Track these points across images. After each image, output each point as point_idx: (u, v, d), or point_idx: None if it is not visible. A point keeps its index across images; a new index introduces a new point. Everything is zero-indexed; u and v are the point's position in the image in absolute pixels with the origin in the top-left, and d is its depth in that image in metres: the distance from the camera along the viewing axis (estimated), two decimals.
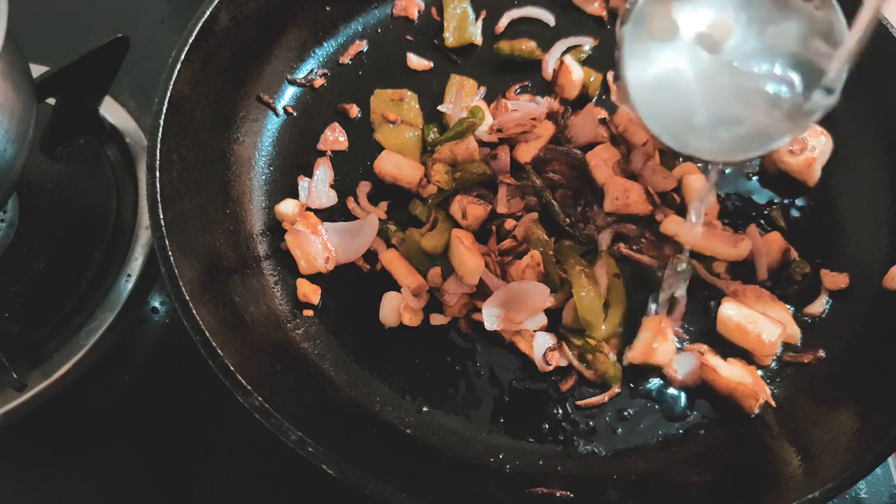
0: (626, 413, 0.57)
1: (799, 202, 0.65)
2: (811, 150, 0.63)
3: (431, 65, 0.72)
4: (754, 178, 0.66)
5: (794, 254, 0.62)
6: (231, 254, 0.61)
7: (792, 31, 0.47)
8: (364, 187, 0.65)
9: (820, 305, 0.61)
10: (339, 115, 0.69)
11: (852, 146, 0.65)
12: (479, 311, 0.58)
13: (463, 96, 0.67)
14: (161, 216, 0.53)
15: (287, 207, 0.63)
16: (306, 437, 0.47)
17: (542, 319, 0.58)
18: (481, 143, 0.66)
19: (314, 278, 0.62)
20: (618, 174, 0.63)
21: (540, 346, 0.57)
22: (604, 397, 0.57)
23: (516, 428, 0.56)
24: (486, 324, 0.57)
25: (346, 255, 0.62)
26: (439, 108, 0.68)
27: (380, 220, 0.63)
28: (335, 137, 0.68)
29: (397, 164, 0.64)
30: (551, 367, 0.57)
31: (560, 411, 0.57)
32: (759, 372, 0.58)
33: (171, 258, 0.52)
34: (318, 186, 0.65)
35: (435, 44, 0.73)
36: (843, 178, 0.65)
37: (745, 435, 0.55)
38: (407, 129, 0.67)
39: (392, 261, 0.61)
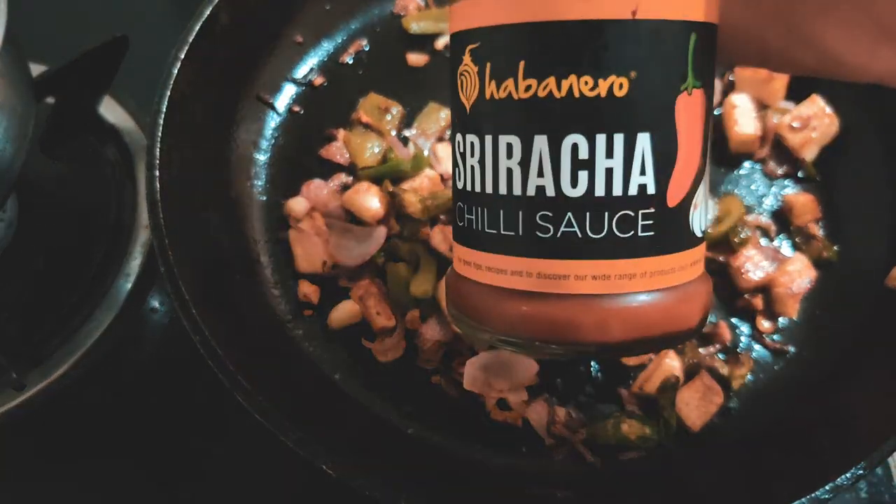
0: (627, 412, 0.57)
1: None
2: (812, 129, 0.63)
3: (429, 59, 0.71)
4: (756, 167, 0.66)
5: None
6: (231, 253, 0.61)
7: None
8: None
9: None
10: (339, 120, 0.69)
11: (854, 146, 0.65)
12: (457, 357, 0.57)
13: (427, 134, 0.66)
14: (161, 216, 0.53)
15: (298, 205, 0.63)
16: (307, 436, 0.47)
17: (523, 395, 0.56)
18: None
19: (314, 278, 0.61)
20: None
21: (539, 420, 0.56)
22: None
23: (517, 427, 0.56)
24: (464, 382, 0.56)
25: (346, 259, 0.61)
26: (405, 133, 0.67)
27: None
28: (339, 153, 0.67)
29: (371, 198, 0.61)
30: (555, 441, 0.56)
31: (562, 410, 0.57)
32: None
33: (171, 258, 0.52)
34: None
35: (435, 44, 0.73)
36: (843, 177, 0.65)
37: (746, 433, 0.55)
38: (374, 142, 0.65)
39: (364, 295, 0.59)
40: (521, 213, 0.35)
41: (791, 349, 0.59)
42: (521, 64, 0.34)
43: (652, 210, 0.35)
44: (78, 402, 0.60)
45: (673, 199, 0.35)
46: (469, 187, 0.38)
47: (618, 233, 0.35)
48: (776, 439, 0.54)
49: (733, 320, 0.60)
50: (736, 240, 0.60)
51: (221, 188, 0.63)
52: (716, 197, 0.63)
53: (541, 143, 0.34)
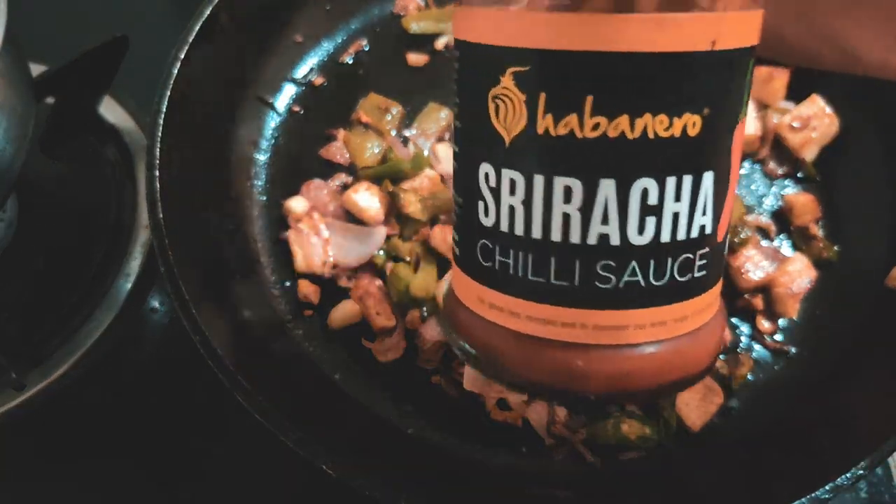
0: (627, 412, 0.57)
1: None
2: (812, 129, 0.63)
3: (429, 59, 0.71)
4: (756, 167, 0.66)
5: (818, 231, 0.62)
6: (231, 253, 0.61)
7: None
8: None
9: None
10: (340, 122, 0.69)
11: (854, 146, 0.65)
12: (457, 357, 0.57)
13: (427, 134, 0.66)
14: (161, 216, 0.53)
15: (297, 205, 0.63)
16: (307, 436, 0.46)
17: (524, 395, 0.56)
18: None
19: (314, 278, 0.61)
20: None
21: (539, 420, 0.56)
22: None
23: (517, 427, 0.56)
24: (464, 382, 0.56)
25: (345, 260, 0.61)
26: (405, 133, 0.67)
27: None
28: (339, 153, 0.67)
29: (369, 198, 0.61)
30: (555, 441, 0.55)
31: (561, 410, 0.57)
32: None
33: (171, 258, 0.52)
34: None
35: (435, 44, 0.73)
36: (843, 177, 0.65)
37: (746, 433, 0.55)
38: (374, 141, 0.65)
39: (363, 295, 0.59)
40: (578, 262, 0.32)
41: (791, 349, 0.59)
42: (589, 100, 0.29)
43: (707, 249, 0.33)
44: (78, 402, 0.60)
45: (721, 233, 0.34)
46: (506, 228, 0.33)
47: (678, 277, 0.32)
48: (776, 439, 0.54)
49: (733, 320, 0.60)
50: (736, 240, 0.60)
51: (221, 188, 0.63)
52: None
53: (607, 187, 0.30)
